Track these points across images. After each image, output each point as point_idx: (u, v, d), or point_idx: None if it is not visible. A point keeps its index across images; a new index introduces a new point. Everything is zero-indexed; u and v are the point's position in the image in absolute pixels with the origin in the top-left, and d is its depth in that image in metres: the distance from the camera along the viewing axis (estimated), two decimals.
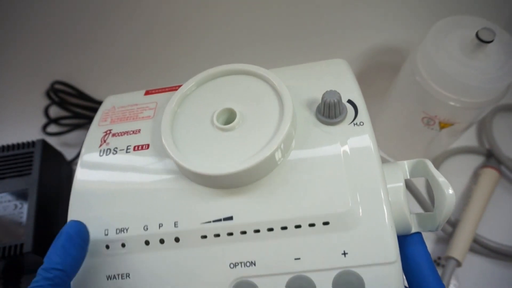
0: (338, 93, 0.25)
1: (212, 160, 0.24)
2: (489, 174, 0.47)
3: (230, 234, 0.23)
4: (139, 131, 0.28)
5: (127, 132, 0.28)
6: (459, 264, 0.41)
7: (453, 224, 0.45)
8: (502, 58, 0.35)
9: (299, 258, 0.22)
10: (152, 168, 0.26)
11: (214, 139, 0.25)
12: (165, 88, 0.31)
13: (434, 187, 0.24)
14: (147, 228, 0.24)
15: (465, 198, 0.47)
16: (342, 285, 0.21)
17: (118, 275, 0.23)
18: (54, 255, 0.22)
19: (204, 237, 0.23)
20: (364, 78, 0.56)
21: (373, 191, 0.23)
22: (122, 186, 0.26)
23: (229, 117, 0.26)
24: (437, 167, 0.48)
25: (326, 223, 0.22)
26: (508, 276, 0.43)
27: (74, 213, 0.26)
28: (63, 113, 0.51)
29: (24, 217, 0.35)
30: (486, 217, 0.45)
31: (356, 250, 0.22)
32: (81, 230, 0.24)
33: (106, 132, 0.29)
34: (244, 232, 0.23)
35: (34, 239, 0.34)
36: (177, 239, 0.23)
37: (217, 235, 0.23)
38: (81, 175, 0.27)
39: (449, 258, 0.41)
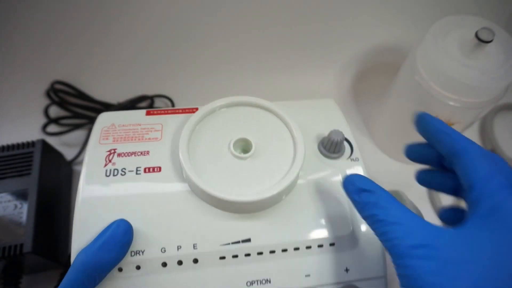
0: (342, 133, 0.29)
1: (232, 186, 0.25)
2: None
3: (248, 255, 0.25)
4: (147, 152, 0.28)
5: (134, 153, 0.28)
6: None
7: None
8: (502, 57, 0.35)
9: (309, 275, 0.25)
10: (166, 191, 0.26)
11: (232, 167, 0.26)
12: (167, 110, 0.32)
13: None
14: (164, 251, 0.24)
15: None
16: None
17: None
18: (94, 251, 0.22)
19: (223, 258, 0.25)
20: (364, 77, 0.56)
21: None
22: (135, 209, 0.25)
23: (245, 146, 0.28)
24: None
25: (332, 244, 0.26)
26: None
27: (80, 235, 0.24)
28: (63, 113, 0.51)
29: (24, 217, 0.35)
30: None
31: (355, 266, 0.25)
32: (128, 231, 0.24)
33: (109, 151, 0.28)
34: (260, 253, 0.25)
35: (34, 239, 0.34)
36: (195, 260, 0.24)
37: (235, 256, 0.25)
38: (86, 196, 0.26)
39: None
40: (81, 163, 0.48)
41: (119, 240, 0.23)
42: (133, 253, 0.24)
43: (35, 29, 0.53)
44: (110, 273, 0.24)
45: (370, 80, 0.55)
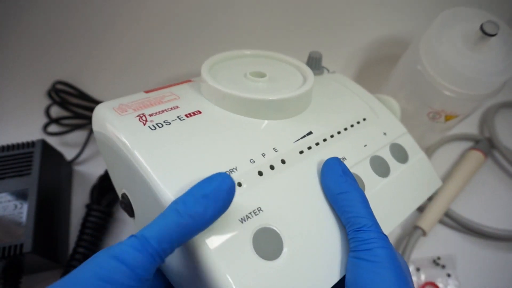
0: (319, 52, 0.37)
1: (267, 95, 0.28)
2: (473, 156, 0.48)
3: (317, 144, 0.29)
4: (177, 107, 0.27)
5: (165, 110, 0.27)
6: (424, 233, 0.42)
7: (431, 198, 0.46)
8: (503, 53, 0.35)
9: (366, 145, 0.31)
10: (219, 123, 0.27)
11: (255, 86, 0.30)
12: (164, 86, 0.31)
13: (385, 104, 0.36)
14: (253, 161, 0.25)
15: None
16: (395, 152, 0.32)
17: (251, 213, 0.23)
18: (193, 203, 0.20)
19: (301, 152, 0.28)
20: (368, 69, 0.56)
21: (371, 99, 0.36)
22: (203, 141, 0.25)
23: (260, 75, 0.31)
24: (432, 152, 0.51)
25: (364, 119, 0.33)
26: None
27: (166, 184, 0.22)
28: (64, 113, 0.51)
29: (24, 217, 0.35)
30: (467, 195, 0.47)
31: (387, 131, 0.33)
32: (232, 188, 0.21)
33: (139, 115, 0.26)
34: (325, 140, 0.29)
35: (33, 239, 0.34)
36: (283, 161, 0.27)
37: (310, 148, 0.28)
38: (144, 151, 0.23)
39: (416, 227, 0.43)
40: (81, 163, 0.49)
41: (222, 197, 0.21)
42: (228, 172, 0.24)
43: (37, 29, 0.53)
44: None
45: (373, 71, 0.55)
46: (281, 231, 0.23)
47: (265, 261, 0.22)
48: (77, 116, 0.50)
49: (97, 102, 0.52)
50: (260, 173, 0.25)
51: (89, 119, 0.50)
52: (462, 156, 0.50)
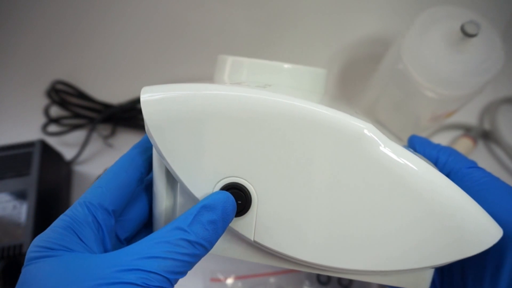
0: None
1: None
2: (462, 142, 0.49)
3: None
4: None
5: None
6: None
7: None
8: (485, 52, 0.34)
9: None
10: None
11: None
12: None
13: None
14: None
15: None
16: None
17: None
18: (203, 231, 0.19)
19: None
20: (351, 68, 0.55)
21: None
22: None
23: None
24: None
25: None
26: None
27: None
28: (63, 113, 0.51)
29: (23, 218, 0.35)
30: None
31: None
32: (235, 205, 0.21)
33: None
34: None
35: (33, 239, 0.34)
36: None
37: None
38: None
39: None
40: (80, 163, 0.48)
41: (229, 219, 0.20)
42: None
43: (36, 29, 0.53)
44: None
45: (357, 71, 0.55)
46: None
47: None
48: (76, 116, 0.50)
49: (96, 102, 0.51)
50: None
51: (88, 118, 0.50)
52: (452, 143, 0.51)
